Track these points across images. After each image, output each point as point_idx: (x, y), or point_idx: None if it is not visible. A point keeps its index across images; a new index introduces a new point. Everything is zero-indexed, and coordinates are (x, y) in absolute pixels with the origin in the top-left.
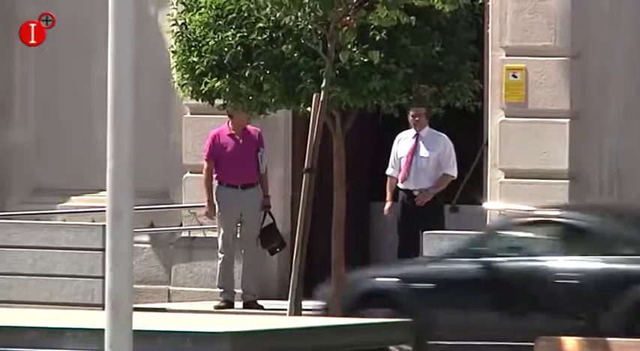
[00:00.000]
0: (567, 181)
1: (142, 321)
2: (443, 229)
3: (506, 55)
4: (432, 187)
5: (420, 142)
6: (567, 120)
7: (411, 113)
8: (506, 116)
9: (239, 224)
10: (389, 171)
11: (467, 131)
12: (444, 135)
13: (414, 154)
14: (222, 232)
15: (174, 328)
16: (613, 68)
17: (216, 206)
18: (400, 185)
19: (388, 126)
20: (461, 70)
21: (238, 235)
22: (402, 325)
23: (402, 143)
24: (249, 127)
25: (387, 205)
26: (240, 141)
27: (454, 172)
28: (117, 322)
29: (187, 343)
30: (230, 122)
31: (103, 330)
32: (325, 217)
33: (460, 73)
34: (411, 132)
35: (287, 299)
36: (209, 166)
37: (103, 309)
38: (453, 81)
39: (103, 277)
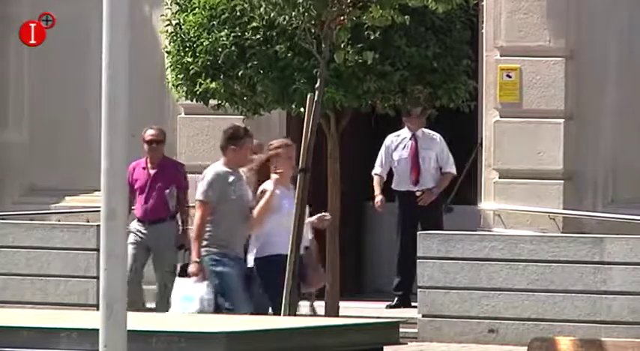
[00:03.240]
0: (562, 182)
1: (137, 321)
2: (442, 229)
3: (501, 56)
4: (435, 188)
5: (420, 143)
6: (562, 120)
7: (412, 114)
8: (500, 116)
9: (149, 259)
10: (377, 170)
11: (461, 131)
12: (437, 134)
13: (417, 155)
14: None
15: (168, 328)
16: (607, 68)
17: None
18: (397, 187)
19: (382, 126)
20: (456, 71)
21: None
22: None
23: (400, 145)
24: (170, 161)
25: (378, 198)
26: (152, 175)
27: (454, 170)
28: (111, 322)
29: (181, 343)
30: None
31: (97, 330)
32: None
33: (455, 74)
34: (405, 133)
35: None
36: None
37: (98, 309)
38: (448, 82)
39: (97, 278)
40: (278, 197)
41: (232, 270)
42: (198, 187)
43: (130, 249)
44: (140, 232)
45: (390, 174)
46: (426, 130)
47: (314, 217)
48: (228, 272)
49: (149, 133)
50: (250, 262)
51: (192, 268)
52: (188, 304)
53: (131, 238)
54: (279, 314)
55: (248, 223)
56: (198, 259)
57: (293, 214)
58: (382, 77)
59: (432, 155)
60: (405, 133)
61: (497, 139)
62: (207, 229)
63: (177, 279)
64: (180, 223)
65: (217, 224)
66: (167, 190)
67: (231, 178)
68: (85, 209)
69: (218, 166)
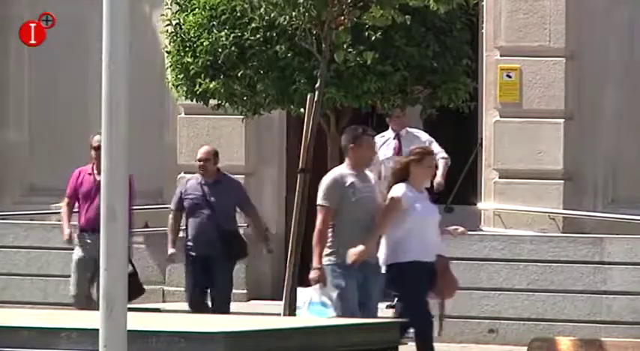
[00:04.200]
0: (562, 182)
1: (137, 321)
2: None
3: (501, 56)
4: (440, 176)
5: (403, 142)
6: (562, 120)
7: (392, 114)
8: (500, 116)
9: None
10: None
11: (461, 131)
12: (424, 133)
13: (401, 154)
14: (73, 275)
15: (168, 328)
16: (608, 68)
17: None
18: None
19: (382, 126)
20: (455, 71)
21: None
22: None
23: (384, 145)
24: None
25: None
26: (99, 182)
27: (444, 153)
28: (111, 323)
29: (181, 344)
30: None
31: (97, 330)
32: None
33: (455, 74)
34: (389, 133)
35: (281, 300)
36: (66, 205)
37: (98, 309)
38: (448, 82)
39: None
40: (410, 202)
41: (351, 279)
42: (318, 192)
43: (76, 260)
44: (86, 243)
45: None
46: (412, 129)
47: (450, 228)
48: (346, 281)
49: (97, 139)
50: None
51: (313, 275)
52: (323, 309)
53: (77, 248)
54: (421, 328)
55: (373, 227)
56: (319, 265)
57: (426, 220)
58: (382, 77)
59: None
60: (389, 133)
61: (497, 139)
62: (329, 234)
63: (301, 289)
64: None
65: (339, 229)
66: None
67: (350, 180)
68: None
69: (339, 168)
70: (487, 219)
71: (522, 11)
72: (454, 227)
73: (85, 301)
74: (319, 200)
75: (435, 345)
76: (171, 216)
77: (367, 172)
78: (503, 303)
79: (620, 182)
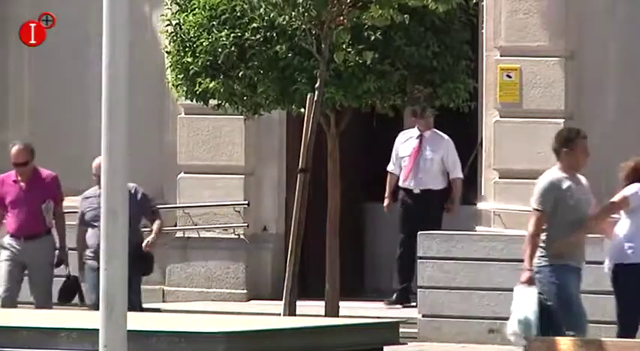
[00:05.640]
0: None
1: (137, 321)
2: (440, 229)
3: (501, 56)
4: (454, 195)
5: (425, 144)
6: (562, 120)
7: (418, 114)
8: (500, 116)
9: (25, 277)
10: (390, 167)
11: (461, 131)
12: (447, 136)
13: (419, 155)
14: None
15: (168, 328)
16: (608, 68)
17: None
18: (401, 184)
19: (382, 126)
20: (455, 71)
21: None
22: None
23: (406, 143)
24: (43, 173)
25: (386, 202)
26: (25, 188)
27: (461, 174)
28: (111, 322)
29: (181, 343)
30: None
31: (97, 330)
32: (319, 217)
33: (455, 74)
34: (414, 132)
35: (281, 300)
36: None
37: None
38: (448, 82)
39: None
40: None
41: (571, 283)
42: (534, 194)
43: (5, 266)
44: (14, 248)
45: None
46: (436, 131)
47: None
48: (566, 285)
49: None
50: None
51: (524, 278)
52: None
53: (4, 254)
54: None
55: (588, 230)
56: (530, 268)
57: None
58: (382, 77)
59: (437, 157)
60: (414, 132)
61: (497, 139)
62: (543, 238)
63: (518, 289)
64: (57, 238)
65: (554, 232)
66: (43, 205)
67: (566, 184)
68: None
69: (553, 171)
70: (487, 219)
71: (522, 11)
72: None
73: (10, 304)
74: (534, 204)
75: (435, 345)
76: (77, 232)
77: (579, 175)
78: (503, 303)
79: (620, 182)
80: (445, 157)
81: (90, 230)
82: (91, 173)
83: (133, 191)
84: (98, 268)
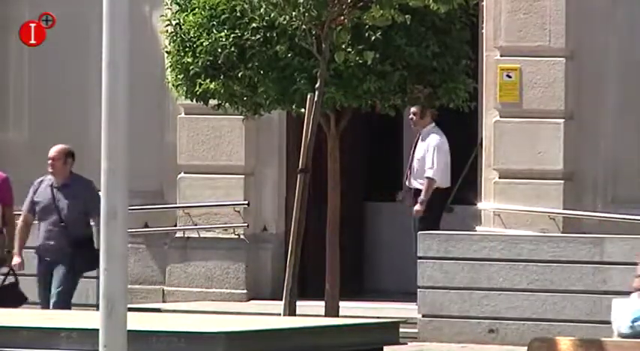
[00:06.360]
0: (562, 182)
1: (137, 321)
2: (438, 229)
3: (501, 56)
4: (422, 196)
5: (418, 143)
6: (562, 120)
7: (412, 110)
8: (500, 116)
9: None
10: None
11: (461, 131)
12: (436, 134)
13: (413, 153)
14: None
15: (168, 328)
16: (607, 68)
17: None
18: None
19: (382, 126)
20: (455, 71)
21: None
22: (396, 325)
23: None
24: None
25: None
26: None
27: (431, 173)
28: (111, 323)
29: (181, 344)
30: None
31: (97, 330)
32: (319, 217)
33: (455, 74)
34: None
35: (281, 300)
36: None
37: (98, 309)
38: (448, 82)
39: (97, 278)
40: None
41: None
42: None
43: None
44: None
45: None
46: (432, 129)
47: None
48: None
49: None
50: None
51: (637, 283)
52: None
53: None
54: None
55: None
56: None
57: None
58: (382, 77)
59: (420, 155)
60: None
61: (497, 139)
62: None
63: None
64: (6, 240)
65: None
66: None
67: None
68: None
69: None
70: (487, 219)
71: (522, 11)
72: None
73: None
74: None
75: (435, 345)
76: (21, 219)
77: None
78: (503, 303)
79: (620, 182)
80: (425, 154)
81: (41, 224)
82: (89, 171)
83: (77, 184)
84: (44, 263)
